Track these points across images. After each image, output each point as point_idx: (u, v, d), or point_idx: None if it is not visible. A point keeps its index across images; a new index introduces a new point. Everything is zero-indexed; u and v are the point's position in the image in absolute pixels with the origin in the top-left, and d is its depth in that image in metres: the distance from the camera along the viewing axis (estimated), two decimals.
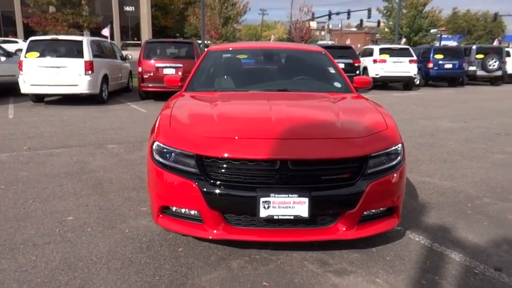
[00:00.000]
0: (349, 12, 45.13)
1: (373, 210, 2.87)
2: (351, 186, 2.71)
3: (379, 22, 53.25)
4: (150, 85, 11.35)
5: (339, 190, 2.70)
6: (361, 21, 53.38)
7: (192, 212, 2.85)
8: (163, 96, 11.85)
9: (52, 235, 3.30)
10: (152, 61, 11.36)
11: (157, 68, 11.27)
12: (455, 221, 3.72)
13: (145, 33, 40.90)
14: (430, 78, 18.20)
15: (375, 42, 53.41)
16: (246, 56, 4.64)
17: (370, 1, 46.13)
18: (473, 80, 19.52)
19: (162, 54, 11.70)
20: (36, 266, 2.82)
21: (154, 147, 2.96)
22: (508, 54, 19.78)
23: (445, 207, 4.04)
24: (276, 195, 2.61)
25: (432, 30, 37.52)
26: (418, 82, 17.70)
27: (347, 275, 2.77)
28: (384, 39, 39.47)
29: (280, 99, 3.52)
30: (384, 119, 3.13)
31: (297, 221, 2.72)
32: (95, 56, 10.37)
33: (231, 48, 4.73)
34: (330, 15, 46.92)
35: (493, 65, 18.61)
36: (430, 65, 17.54)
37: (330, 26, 69.63)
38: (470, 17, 63.08)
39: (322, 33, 72.59)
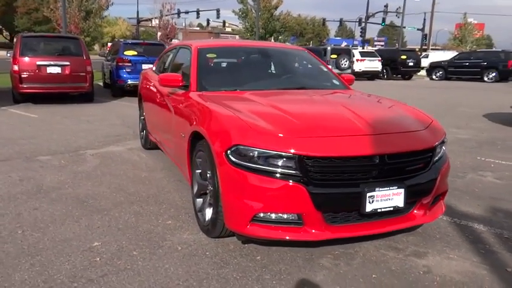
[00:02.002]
0: (198, 12, 45.66)
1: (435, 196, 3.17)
2: (428, 173, 2.97)
3: (224, 22, 55.35)
4: (30, 86, 9.79)
5: (422, 178, 2.93)
6: (208, 20, 54.62)
7: (285, 216, 2.73)
8: (43, 98, 10.41)
9: (98, 266, 2.76)
10: (32, 58, 9.81)
11: (39, 66, 9.78)
12: (447, 198, 4.29)
13: None
14: None
15: None
16: (243, 55, 4.49)
17: (217, 2, 47.61)
18: None
19: (43, 51, 10.17)
20: None
21: (231, 151, 2.74)
22: (353, 55, 22.78)
23: None
24: (380, 189, 2.71)
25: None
26: None
27: (426, 256, 3.03)
28: (243, 39, 41.18)
29: (320, 97, 3.56)
30: (424, 113, 3.47)
31: (389, 212, 2.85)
32: None
33: (223, 46, 4.51)
34: (179, 13, 46.64)
35: (344, 64, 21.26)
36: None
37: (175, 24, 69.27)
38: (302, 20, 70.31)
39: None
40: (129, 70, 11.88)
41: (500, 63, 23.87)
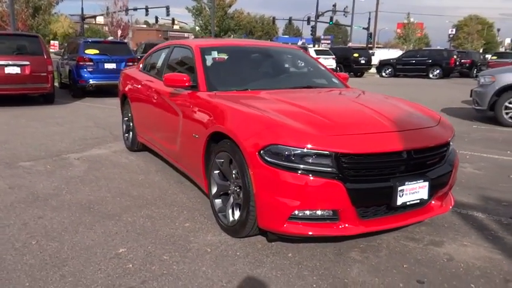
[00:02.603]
0: (147, 9, 44.67)
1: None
2: (445, 167, 3.15)
3: (173, 20, 54.47)
4: None
5: (440, 171, 3.09)
6: (157, 18, 53.59)
7: (319, 212, 2.79)
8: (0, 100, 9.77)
9: (133, 273, 2.69)
10: None
11: None
12: None
13: None
14: None
15: (168, 40, 54.55)
16: (245, 55, 4.47)
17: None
18: None
19: (0, 50, 9.54)
20: None
21: (265, 151, 2.76)
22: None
23: None
24: (409, 183, 2.84)
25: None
26: None
27: (443, 245, 3.21)
28: (199, 37, 40.76)
29: (332, 95, 3.65)
30: (431, 109, 3.66)
31: (413, 204, 2.98)
32: None
33: (225, 46, 4.48)
34: (127, 10, 45.38)
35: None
36: None
37: (129, 22, 67.23)
38: (251, 19, 70.73)
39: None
40: (91, 69, 11.41)
41: (444, 61, 25.38)
